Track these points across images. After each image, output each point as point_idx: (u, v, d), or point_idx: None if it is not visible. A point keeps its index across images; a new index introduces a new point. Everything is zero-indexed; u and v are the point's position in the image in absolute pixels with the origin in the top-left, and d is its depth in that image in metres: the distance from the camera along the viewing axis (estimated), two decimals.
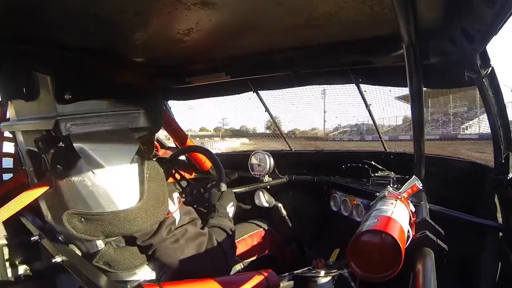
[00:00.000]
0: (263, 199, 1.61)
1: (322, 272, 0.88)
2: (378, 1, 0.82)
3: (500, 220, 1.16)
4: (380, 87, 1.63)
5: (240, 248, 1.34)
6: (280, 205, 1.67)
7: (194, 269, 0.90)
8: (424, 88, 1.05)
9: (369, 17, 0.94)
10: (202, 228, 1.00)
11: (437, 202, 1.11)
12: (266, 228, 1.52)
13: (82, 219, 0.80)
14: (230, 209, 1.23)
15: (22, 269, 1.23)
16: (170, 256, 0.88)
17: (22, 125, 0.95)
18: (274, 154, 1.87)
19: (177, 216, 0.93)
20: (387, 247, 0.63)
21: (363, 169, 1.70)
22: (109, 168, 0.81)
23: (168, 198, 0.92)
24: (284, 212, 1.67)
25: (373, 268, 0.64)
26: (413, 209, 0.90)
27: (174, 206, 0.93)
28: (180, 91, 1.98)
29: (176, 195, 0.96)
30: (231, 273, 1.14)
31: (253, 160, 1.88)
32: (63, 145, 0.81)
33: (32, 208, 1.17)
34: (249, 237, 1.43)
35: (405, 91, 1.54)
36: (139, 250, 0.88)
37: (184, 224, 0.94)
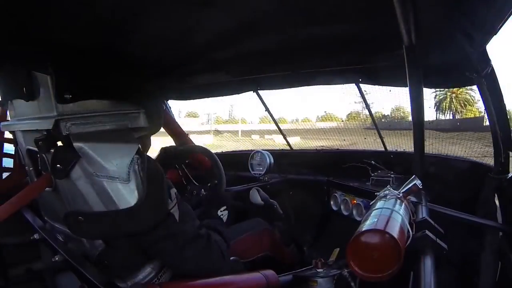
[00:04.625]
0: (257, 197, 1.61)
1: (322, 272, 0.88)
2: (378, 1, 0.81)
3: (500, 220, 1.16)
4: None
5: (240, 248, 1.34)
6: (275, 203, 1.67)
7: (192, 269, 0.90)
8: (424, 88, 1.05)
9: (369, 17, 0.94)
10: (200, 229, 1.00)
11: (437, 202, 1.11)
12: (266, 227, 1.52)
13: (82, 219, 0.80)
14: (224, 213, 1.23)
15: (22, 269, 1.23)
16: (169, 256, 0.88)
17: (22, 125, 0.95)
18: (274, 153, 1.87)
19: (175, 212, 0.93)
20: (387, 246, 0.63)
21: (363, 169, 1.70)
22: (109, 167, 0.81)
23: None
24: (280, 210, 1.67)
25: (373, 268, 0.64)
26: (413, 209, 0.90)
27: (172, 202, 0.93)
28: (180, 91, 1.99)
29: (174, 190, 0.96)
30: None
31: (253, 160, 1.88)
32: (63, 145, 0.81)
33: (32, 208, 1.17)
34: (248, 237, 1.43)
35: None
36: (138, 250, 0.88)
37: (183, 224, 0.94)
